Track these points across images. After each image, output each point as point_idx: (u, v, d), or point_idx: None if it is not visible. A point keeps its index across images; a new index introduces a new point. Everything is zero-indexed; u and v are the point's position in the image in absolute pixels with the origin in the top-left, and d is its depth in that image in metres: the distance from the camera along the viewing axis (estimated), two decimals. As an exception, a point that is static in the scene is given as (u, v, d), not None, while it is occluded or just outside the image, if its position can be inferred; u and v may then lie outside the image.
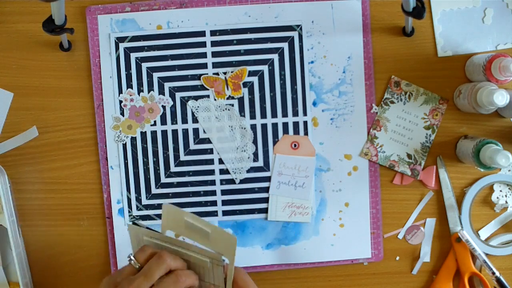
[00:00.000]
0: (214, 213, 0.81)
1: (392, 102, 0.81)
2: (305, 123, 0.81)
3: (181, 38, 0.80)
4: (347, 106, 0.81)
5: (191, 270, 0.64)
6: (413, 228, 0.82)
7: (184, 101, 0.80)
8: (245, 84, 0.80)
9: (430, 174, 0.81)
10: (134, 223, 0.65)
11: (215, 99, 0.80)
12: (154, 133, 0.80)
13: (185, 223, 0.62)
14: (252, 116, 0.80)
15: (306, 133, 0.81)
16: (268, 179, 0.81)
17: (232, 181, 0.81)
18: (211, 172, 0.81)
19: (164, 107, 0.80)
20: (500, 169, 0.81)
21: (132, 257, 0.62)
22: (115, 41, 0.80)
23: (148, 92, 0.80)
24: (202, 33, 0.80)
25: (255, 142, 0.81)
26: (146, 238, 0.64)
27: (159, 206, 0.81)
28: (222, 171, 0.81)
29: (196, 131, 0.81)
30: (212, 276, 0.65)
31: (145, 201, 0.81)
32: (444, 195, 0.81)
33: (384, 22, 0.81)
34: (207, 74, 0.80)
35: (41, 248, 0.81)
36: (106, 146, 0.80)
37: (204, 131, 0.81)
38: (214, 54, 0.80)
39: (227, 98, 0.80)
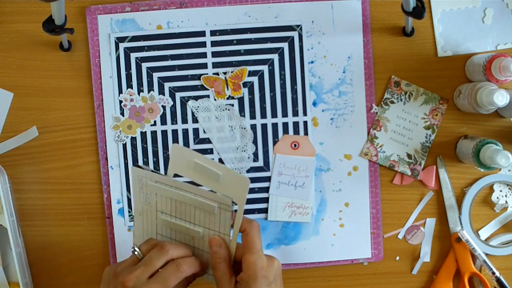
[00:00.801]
0: (214, 213, 0.81)
1: (392, 102, 0.81)
2: (305, 123, 0.81)
3: (181, 38, 0.80)
4: (347, 106, 0.81)
5: (196, 217, 0.63)
6: (413, 228, 0.82)
7: (184, 101, 0.80)
8: (245, 84, 0.80)
9: (430, 174, 0.81)
10: (137, 166, 0.64)
11: (215, 99, 0.80)
12: (154, 133, 0.80)
13: (194, 165, 0.61)
14: (252, 116, 0.80)
15: (306, 133, 0.81)
16: (268, 179, 0.81)
17: (232, 181, 0.81)
18: (211, 172, 0.81)
19: (164, 107, 0.80)
20: (500, 169, 0.81)
21: (136, 248, 0.63)
22: (115, 41, 0.80)
23: (148, 92, 0.80)
24: (202, 33, 0.80)
25: (255, 142, 0.81)
26: (150, 182, 0.64)
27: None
28: (222, 171, 0.81)
29: (196, 131, 0.81)
30: (218, 222, 0.64)
31: (145, 201, 0.81)
32: (444, 195, 0.81)
33: (384, 22, 0.81)
34: (207, 74, 0.80)
35: (41, 248, 0.81)
36: (106, 146, 0.80)
37: (204, 131, 0.81)
38: (214, 54, 0.80)
39: (227, 98, 0.80)
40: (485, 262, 0.78)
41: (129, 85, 0.80)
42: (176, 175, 0.64)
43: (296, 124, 0.81)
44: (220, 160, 0.81)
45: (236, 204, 0.62)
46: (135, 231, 0.69)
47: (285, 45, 0.80)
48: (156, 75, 0.80)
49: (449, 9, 0.80)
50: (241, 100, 0.80)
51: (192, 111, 0.80)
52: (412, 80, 0.81)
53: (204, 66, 0.80)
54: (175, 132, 0.80)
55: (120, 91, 0.80)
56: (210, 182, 0.62)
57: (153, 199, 0.66)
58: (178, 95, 0.80)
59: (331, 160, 0.81)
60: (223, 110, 0.80)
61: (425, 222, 0.82)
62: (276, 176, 0.80)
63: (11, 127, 0.80)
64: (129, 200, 0.81)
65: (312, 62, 0.80)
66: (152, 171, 0.64)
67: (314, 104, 0.81)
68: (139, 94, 0.80)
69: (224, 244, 0.64)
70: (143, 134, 0.80)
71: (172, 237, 0.68)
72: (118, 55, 0.80)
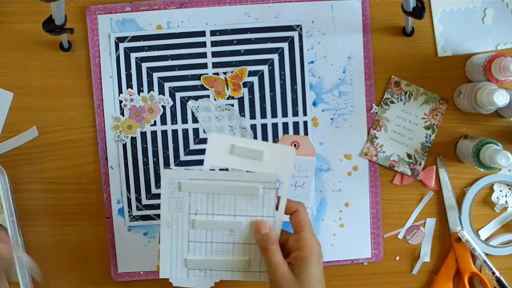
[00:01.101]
0: (214, 213, 0.81)
1: (392, 102, 0.81)
2: (305, 123, 0.81)
3: (181, 38, 0.80)
4: (347, 106, 0.81)
5: (237, 206, 0.64)
6: (413, 228, 0.82)
7: (184, 101, 0.80)
8: (245, 84, 0.80)
9: (430, 174, 0.81)
10: (168, 168, 0.64)
11: (215, 99, 0.80)
12: (154, 133, 0.80)
13: (233, 150, 0.62)
14: (252, 116, 0.80)
15: (306, 133, 0.81)
16: (268, 179, 0.81)
17: (232, 181, 0.81)
18: (211, 172, 0.81)
19: (164, 107, 0.80)
20: (500, 169, 0.81)
21: None
22: (115, 41, 0.80)
23: (148, 92, 0.80)
24: (202, 33, 0.80)
25: (255, 142, 0.81)
26: (184, 182, 0.63)
27: (159, 206, 0.80)
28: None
29: (196, 131, 0.81)
30: (262, 205, 0.64)
31: (145, 201, 0.81)
32: (444, 195, 0.81)
33: (384, 22, 0.81)
34: (207, 74, 0.80)
35: (41, 248, 0.81)
36: (106, 146, 0.80)
37: (204, 131, 0.81)
38: (214, 54, 0.80)
39: (227, 98, 0.80)
40: (485, 262, 0.78)
41: (129, 85, 0.80)
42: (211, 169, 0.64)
43: (296, 124, 0.81)
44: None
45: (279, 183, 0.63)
46: (162, 246, 0.66)
47: (285, 45, 0.80)
48: (156, 75, 0.80)
49: (449, 9, 0.80)
50: (241, 100, 0.80)
51: (192, 111, 0.80)
52: (412, 80, 0.81)
53: (204, 66, 0.80)
54: (175, 132, 0.80)
55: (120, 91, 0.80)
56: (252, 163, 0.62)
57: (186, 202, 0.65)
58: (178, 95, 0.80)
59: (331, 160, 0.81)
60: (223, 110, 0.80)
61: (425, 222, 0.82)
62: (276, 176, 0.80)
63: (11, 127, 0.80)
64: (129, 200, 0.81)
65: (312, 62, 0.80)
66: (185, 169, 0.64)
67: (314, 104, 0.81)
68: (139, 94, 0.80)
69: (271, 226, 0.65)
70: (143, 134, 0.80)
71: (207, 241, 0.66)
72: (118, 55, 0.80)
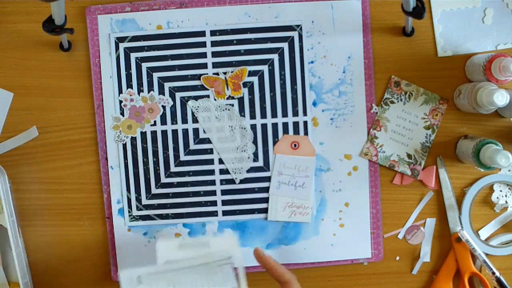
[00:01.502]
0: (214, 213, 0.81)
1: (392, 102, 0.81)
2: (305, 123, 0.81)
3: (181, 38, 0.80)
4: (347, 106, 0.81)
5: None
6: (413, 228, 0.82)
7: (184, 101, 0.80)
8: (245, 84, 0.80)
9: (430, 174, 0.81)
10: (124, 270, 0.66)
11: (215, 99, 0.80)
12: (154, 133, 0.80)
13: (181, 248, 0.67)
14: (252, 116, 0.80)
15: (306, 133, 0.81)
16: (268, 179, 0.81)
17: (232, 181, 0.81)
18: (211, 172, 0.81)
19: (164, 107, 0.80)
20: (500, 169, 0.81)
21: None
22: (115, 41, 0.80)
23: (148, 92, 0.80)
24: (202, 33, 0.80)
25: (255, 142, 0.81)
26: (143, 276, 0.65)
27: (159, 206, 0.81)
28: (222, 171, 0.81)
29: (196, 131, 0.81)
30: (222, 280, 0.66)
31: (145, 201, 0.81)
32: (444, 195, 0.81)
33: (384, 22, 0.81)
34: (207, 74, 0.80)
35: (41, 248, 0.81)
36: (106, 146, 0.80)
37: (204, 131, 0.81)
38: (214, 54, 0.80)
39: (227, 98, 0.80)
40: (485, 262, 0.78)
41: (129, 85, 0.80)
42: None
43: (296, 124, 0.81)
44: (220, 160, 0.81)
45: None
46: None
47: (285, 45, 0.80)
48: (156, 75, 0.80)
49: (449, 9, 0.80)
50: (241, 100, 0.80)
51: (192, 111, 0.80)
52: (412, 80, 0.81)
53: (204, 66, 0.80)
54: (175, 132, 0.80)
55: (120, 91, 0.80)
56: (201, 251, 0.67)
57: None
58: (178, 95, 0.80)
59: (331, 160, 0.81)
60: (223, 110, 0.80)
61: (425, 222, 0.82)
62: (276, 176, 0.80)
63: (11, 127, 0.80)
64: (129, 200, 0.81)
65: (312, 62, 0.80)
66: (141, 266, 0.66)
67: (314, 104, 0.81)
68: (139, 94, 0.80)
69: None
70: (143, 134, 0.80)
71: None
72: (118, 55, 0.80)
